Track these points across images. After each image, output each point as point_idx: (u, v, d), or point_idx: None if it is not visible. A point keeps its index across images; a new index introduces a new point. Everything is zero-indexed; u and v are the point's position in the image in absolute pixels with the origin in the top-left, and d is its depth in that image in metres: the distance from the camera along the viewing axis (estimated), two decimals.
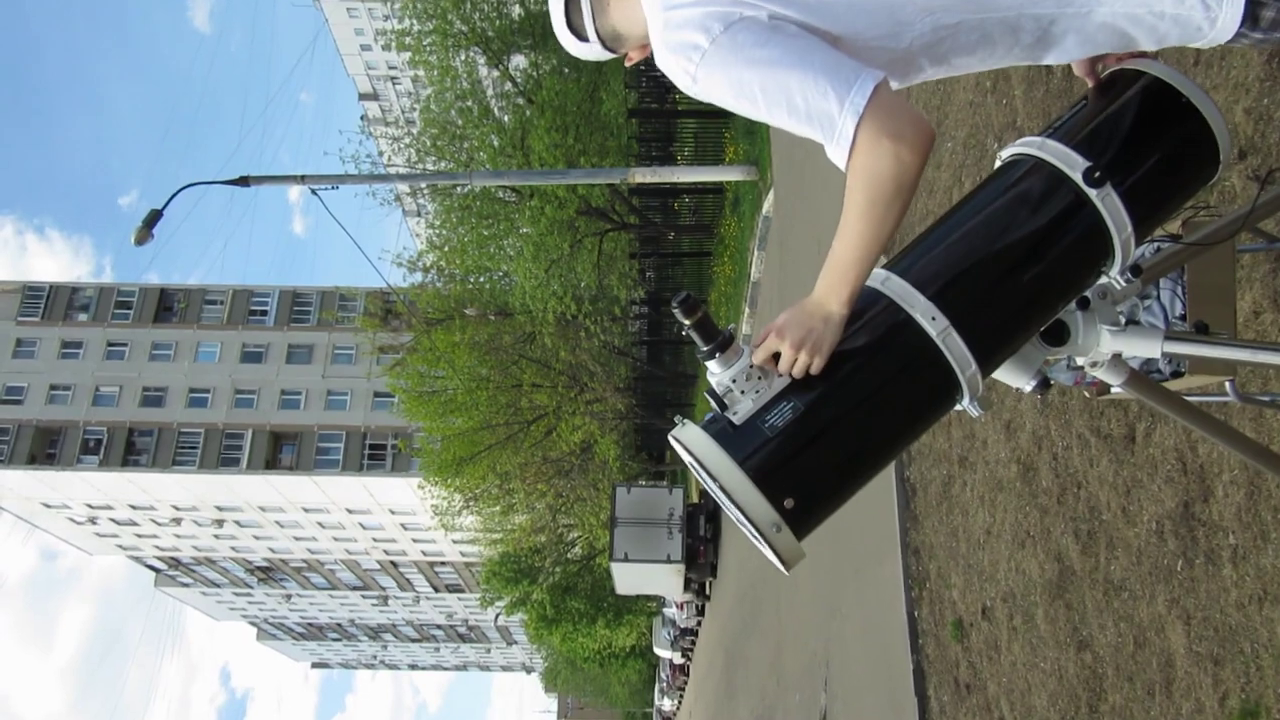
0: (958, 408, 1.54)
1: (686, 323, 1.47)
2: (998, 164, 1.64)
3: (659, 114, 19.72)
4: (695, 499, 22.52)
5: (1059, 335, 1.70)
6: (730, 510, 1.53)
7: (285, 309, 48.28)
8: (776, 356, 1.47)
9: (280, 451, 46.06)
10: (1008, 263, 1.51)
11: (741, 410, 1.45)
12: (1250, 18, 1.41)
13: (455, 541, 47.41)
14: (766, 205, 13.59)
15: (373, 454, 45.46)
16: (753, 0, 1.42)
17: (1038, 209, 1.55)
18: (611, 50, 1.68)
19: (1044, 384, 1.71)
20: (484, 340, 21.25)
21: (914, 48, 1.48)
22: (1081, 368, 2.08)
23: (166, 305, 48.70)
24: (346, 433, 45.33)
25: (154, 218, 13.12)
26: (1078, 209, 1.51)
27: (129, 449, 45.69)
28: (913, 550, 5.74)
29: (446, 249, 20.26)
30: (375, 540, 56.15)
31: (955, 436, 5.17)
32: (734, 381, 1.47)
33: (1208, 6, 1.42)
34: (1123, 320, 1.72)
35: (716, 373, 1.48)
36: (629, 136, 18.79)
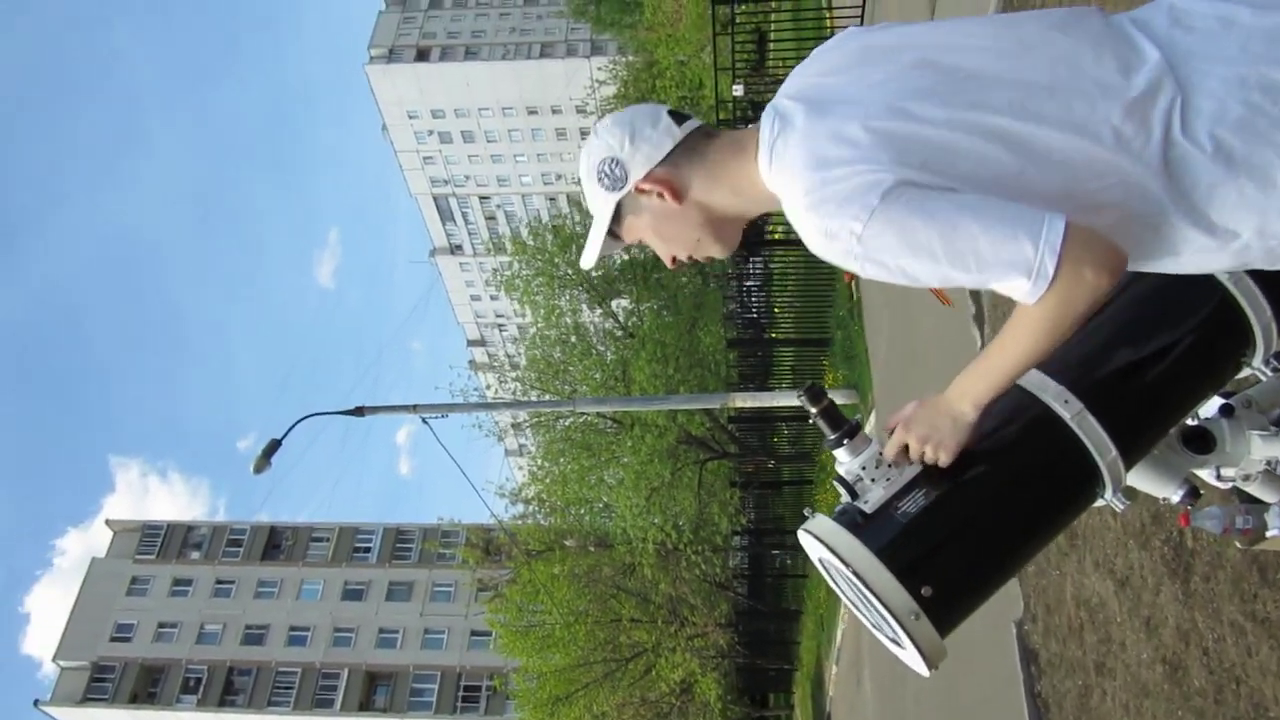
0: (1100, 501, 1.48)
1: (813, 410, 1.49)
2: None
3: (757, 343, 20.17)
4: None
5: (1205, 443, 1.65)
6: (862, 608, 1.47)
7: (388, 546, 48.87)
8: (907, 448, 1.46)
9: (374, 693, 45.23)
10: (1141, 346, 1.49)
11: (873, 498, 1.44)
12: None
13: None
14: (868, 428, 13.49)
15: (467, 695, 44.27)
16: (916, 169, 1.30)
17: (1169, 294, 1.55)
18: (673, 150, 1.49)
19: (1192, 493, 1.64)
20: (583, 572, 21.05)
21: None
22: (1231, 507, 1.98)
23: (275, 543, 49.79)
24: (441, 673, 44.44)
25: (273, 448, 13.64)
26: (1210, 292, 1.50)
27: (227, 688, 45.48)
28: None
29: (548, 480, 20.54)
30: None
31: (1089, 641, 4.83)
32: (863, 469, 1.46)
33: None
34: (1273, 427, 1.65)
35: (845, 461, 1.48)
36: (728, 366, 19.20)
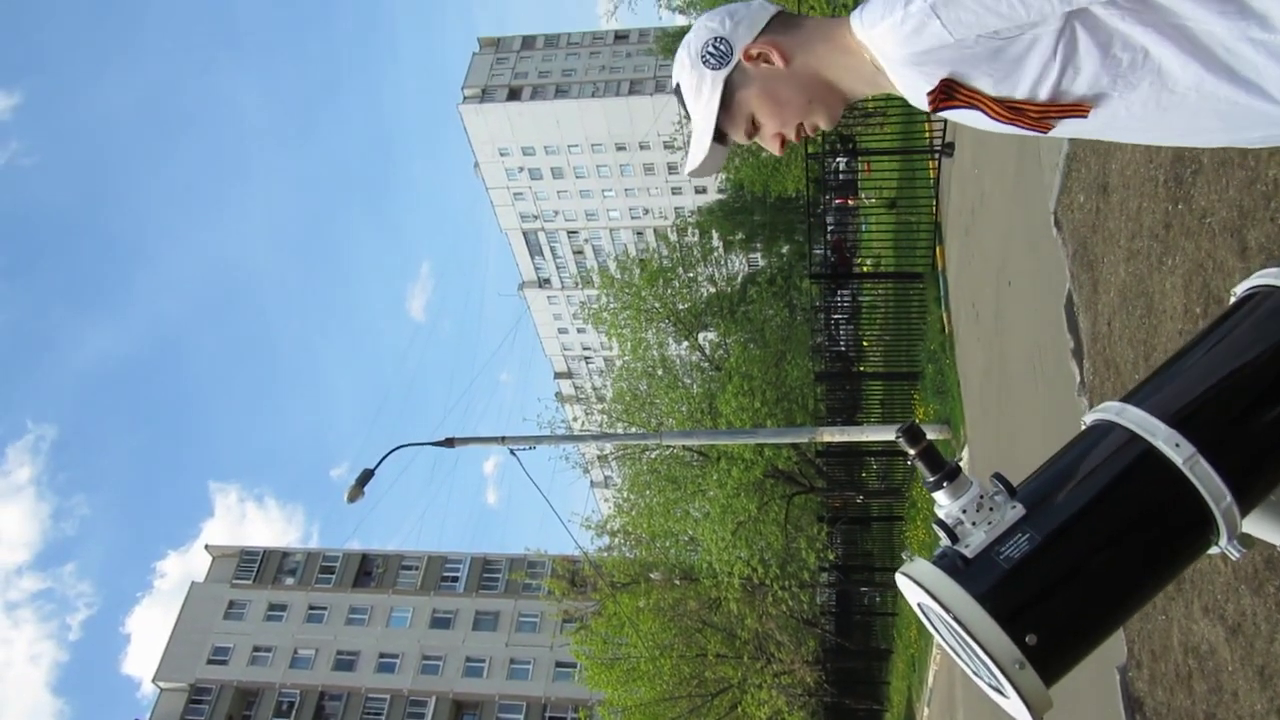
0: (1214, 550, 1.43)
1: (911, 451, 1.45)
2: (1232, 299, 1.59)
3: (845, 376, 19.93)
4: None
5: None
6: (963, 654, 1.44)
7: (475, 576, 49.38)
8: None
9: None
10: (1258, 386, 1.43)
11: (974, 543, 1.39)
12: None
13: None
14: (961, 462, 13.23)
15: None
16: None
17: None
18: (770, 21, 1.53)
19: None
20: (669, 605, 20.94)
21: None
22: None
23: (366, 570, 50.75)
24: (527, 703, 44.58)
25: (366, 477, 13.96)
26: None
27: (318, 713, 46.34)
28: None
29: (633, 512, 20.55)
30: None
31: (1198, 690, 4.62)
32: (964, 512, 1.42)
33: None
34: None
35: (944, 504, 1.44)
36: (815, 400, 19.01)
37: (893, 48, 1.39)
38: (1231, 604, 4.32)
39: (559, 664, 42.97)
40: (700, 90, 1.58)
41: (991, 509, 1.41)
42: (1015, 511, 1.40)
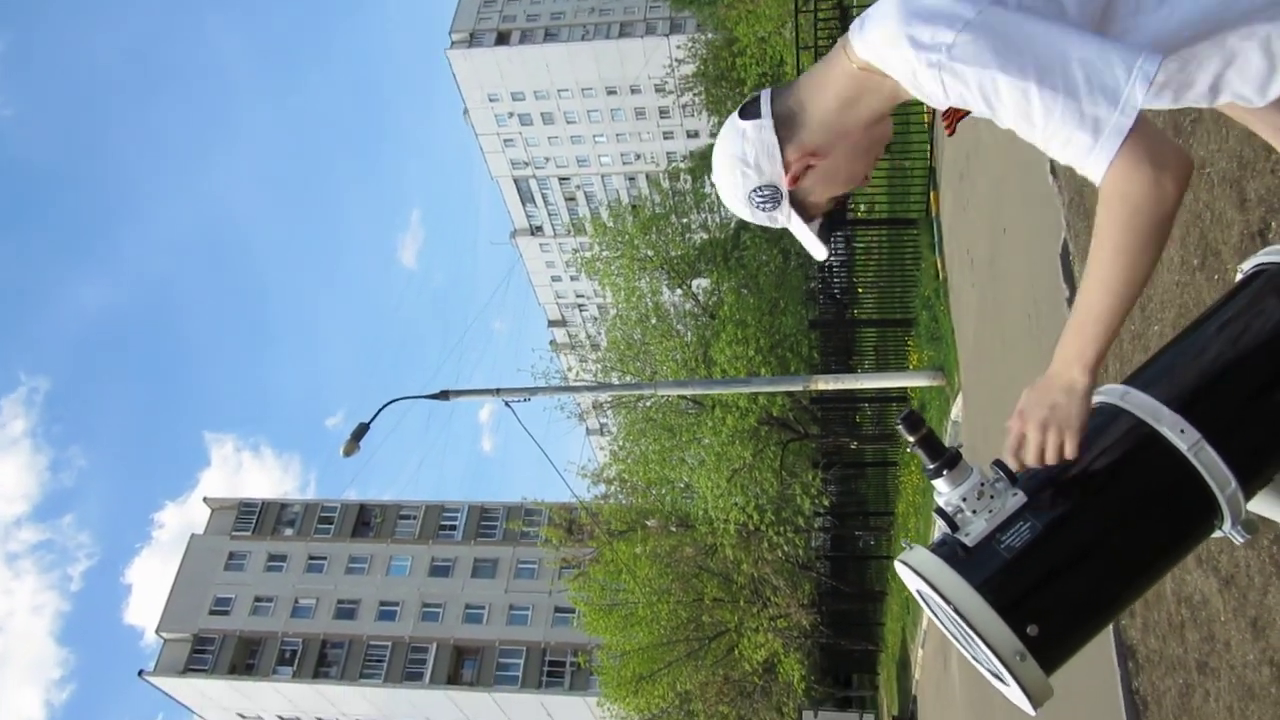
0: (1217, 534, 1.41)
1: (911, 439, 1.43)
2: (1239, 277, 1.57)
3: (839, 324, 19.91)
4: None
5: None
6: (965, 643, 1.43)
7: (473, 524, 49.75)
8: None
9: (462, 667, 46.25)
10: (1264, 372, 1.40)
11: (974, 531, 1.37)
12: None
13: None
14: (955, 410, 13.26)
15: (552, 671, 44.98)
16: None
17: None
18: (776, 133, 1.50)
19: None
20: (665, 552, 21.13)
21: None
22: None
23: (365, 520, 51.08)
24: (527, 648, 45.21)
25: (361, 431, 13.96)
26: None
27: (321, 660, 46.95)
28: None
29: (629, 461, 20.63)
30: None
31: (1191, 640, 4.67)
32: (964, 500, 1.39)
33: None
34: None
35: (944, 492, 1.42)
36: (810, 347, 19.00)
37: (889, 41, 1.38)
38: (1225, 555, 4.35)
39: (558, 609, 43.47)
40: (776, 221, 1.59)
41: (992, 496, 1.39)
42: (1016, 499, 1.38)
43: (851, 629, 25.57)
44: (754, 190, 1.53)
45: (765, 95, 1.52)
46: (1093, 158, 1.25)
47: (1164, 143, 1.24)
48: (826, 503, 21.72)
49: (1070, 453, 1.34)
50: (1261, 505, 1.53)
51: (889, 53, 1.37)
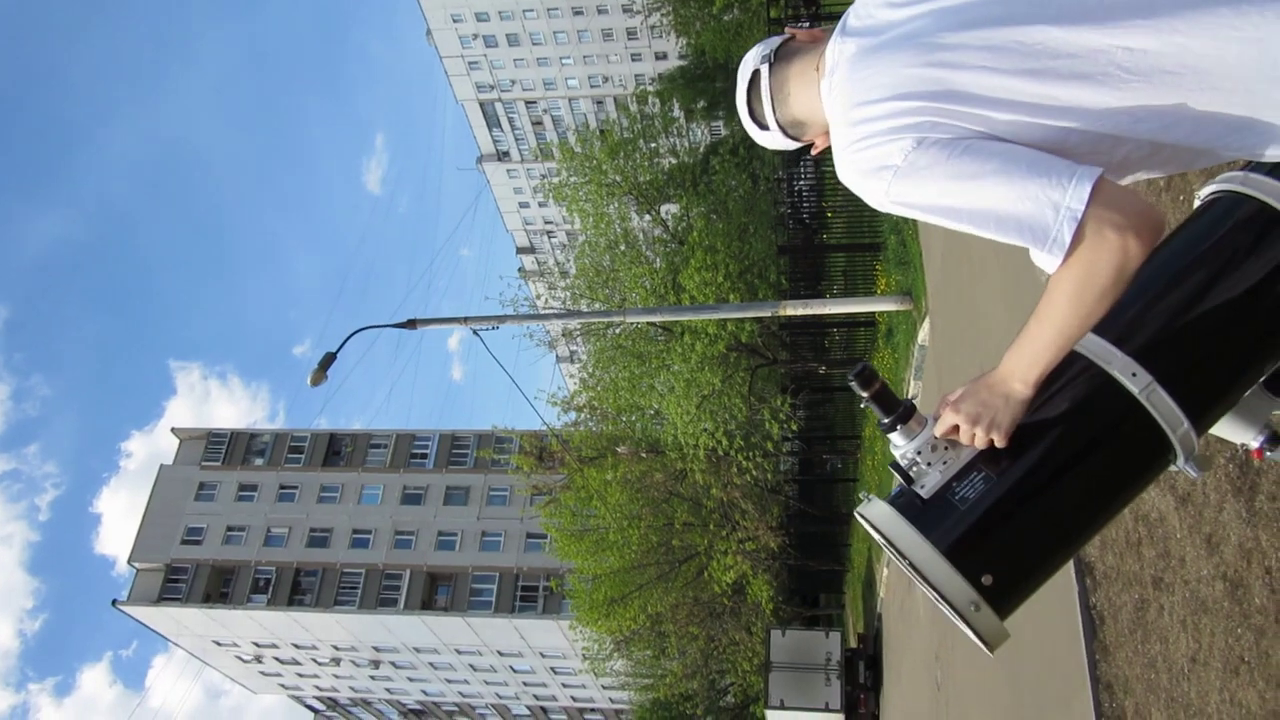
0: (1172, 468, 1.42)
1: (864, 394, 1.42)
2: (1196, 204, 1.54)
3: (808, 249, 19.88)
4: (854, 644, 21.52)
5: None
6: (924, 588, 1.43)
7: (444, 452, 49.89)
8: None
9: (436, 593, 46.82)
10: (1217, 308, 1.37)
11: (929, 483, 1.37)
12: None
13: (605, 687, 46.57)
14: (922, 334, 13.35)
15: (525, 596, 45.66)
16: (949, 119, 1.33)
17: (1247, 247, 1.42)
18: (794, 138, 1.66)
19: (1273, 439, 1.56)
20: (635, 477, 21.31)
21: (1129, 159, 1.36)
22: None
23: (335, 449, 51.08)
24: (500, 574, 45.79)
25: (328, 360, 13.84)
26: None
27: (295, 588, 47.34)
28: (1104, 685, 5.26)
29: (599, 388, 20.67)
30: (525, 684, 55.72)
31: (1147, 556, 4.78)
32: (919, 453, 1.40)
33: None
34: None
35: (900, 445, 1.42)
36: (778, 273, 18.99)
37: (839, 161, 1.51)
38: (1181, 474, 4.42)
39: (529, 535, 43.96)
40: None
41: (947, 448, 1.39)
42: (970, 450, 1.38)
43: (819, 550, 26.06)
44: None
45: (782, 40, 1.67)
46: (1044, 261, 1.30)
47: (1127, 203, 1.24)
48: (795, 427, 21.94)
49: (999, 445, 1.37)
50: (1218, 427, 1.54)
51: (837, 158, 1.49)
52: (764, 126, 1.66)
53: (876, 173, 1.37)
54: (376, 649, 51.27)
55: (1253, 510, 3.75)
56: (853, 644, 21.69)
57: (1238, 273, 1.41)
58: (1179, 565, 4.42)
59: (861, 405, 1.45)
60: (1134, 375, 1.33)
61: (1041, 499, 1.36)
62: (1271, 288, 1.38)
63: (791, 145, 1.70)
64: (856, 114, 1.39)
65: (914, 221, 14.43)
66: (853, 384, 1.41)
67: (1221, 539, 4.03)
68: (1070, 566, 5.82)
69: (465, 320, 13.89)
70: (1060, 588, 5.92)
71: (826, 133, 1.60)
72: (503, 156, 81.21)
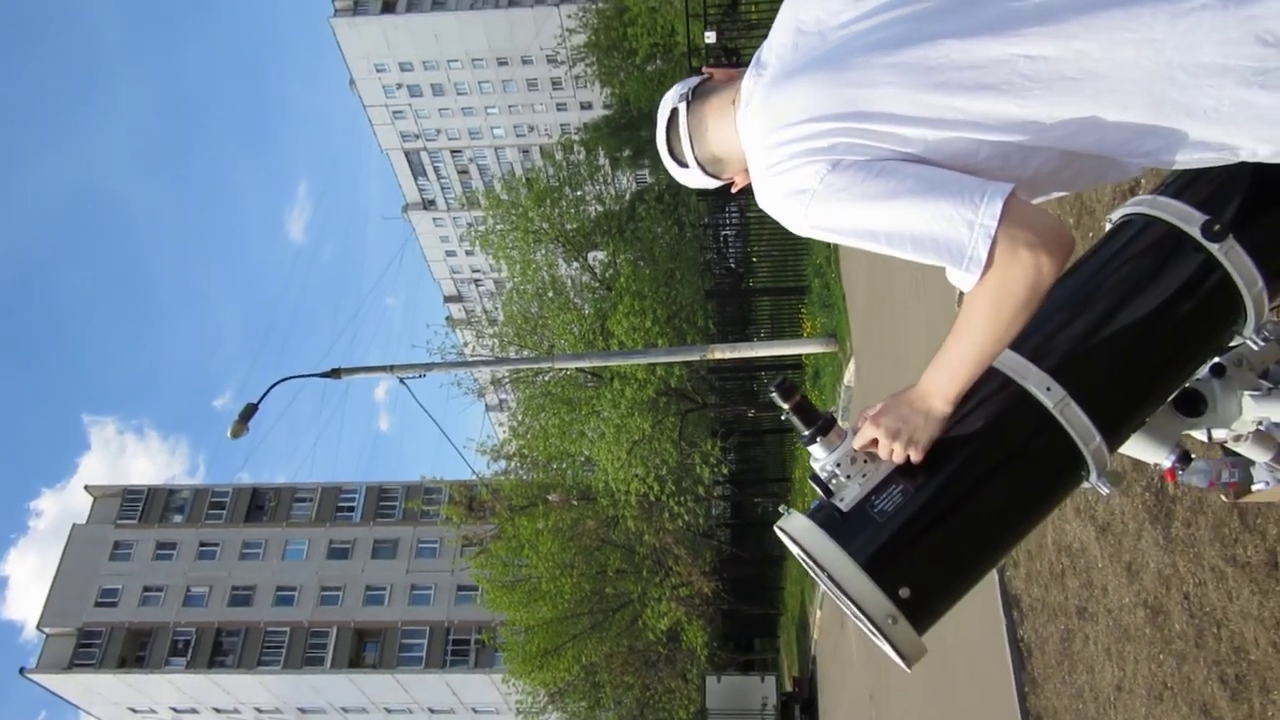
0: (1085, 485, 1.44)
1: (785, 407, 1.43)
2: (1108, 227, 1.59)
3: (734, 294, 20.11)
4: (789, 687, 21.48)
5: (1195, 406, 1.60)
6: (845, 605, 1.43)
7: (371, 505, 48.89)
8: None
9: (364, 650, 45.57)
10: (1127, 327, 1.41)
11: (848, 496, 1.38)
12: None
13: None
14: (848, 375, 13.54)
15: (456, 650, 44.70)
16: (863, 139, 1.35)
17: (1155, 269, 1.47)
18: (713, 175, 1.67)
19: (1184, 458, 1.60)
20: (567, 526, 21.12)
21: (1040, 174, 1.39)
22: (1218, 461, 1.94)
23: (258, 504, 49.71)
24: (430, 628, 44.78)
25: (250, 412, 13.49)
26: (1199, 266, 1.42)
27: (216, 650, 45.68)
28: (1034, 717, 5.31)
29: (529, 435, 20.51)
30: None
31: (1071, 586, 4.86)
32: (838, 466, 1.41)
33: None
34: (1265, 385, 1.61)
35: (820, 458, 1.43)
36: (705, 317, 19.15)
37: (758, 188, 1.54)
38: (1101, 504, 4.53)
39: (460, 588, 43.14)
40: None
41: (866, 460, 1.40)
42: (889, 463, 1.39)
43: (752, 594, 26.07)
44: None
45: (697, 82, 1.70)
46: (960, 280, 1.33)
47: (1038, 222, 1.27)
48: (726, 471, 22.00)
49: (915, 460, 1.38)
50: (1131, 448, 1.57)
51: (756, 184, 1.52)
52: (683, 164, 1.67)
53: (794, 196, 1.39)
54: (302, 710, 49.57)
55: (1169, 537, 3.84)
56: (788, 688, 21.66)
57: (1146, 293, 1.45)
58: (1101, 594, 4.51)
59: (782, 418, 1.45)
60: (1048, 390, 1.35)
61: (959, 512, 1.37)
62: (1177, 306, 1.43)
63: (712, 183, 1.70)
64: (773, 138, 1.41)
65: (837, 264, 14.70)
66: (774, 396, 1.42)
67: (1141, 566, 4.12)
68: (998, 600, 5.90)
69: (391, 369, 13.69)
70: (989, 622, 6.00)
71: (745, 170, 1.60)
72: (428, 205, 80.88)
